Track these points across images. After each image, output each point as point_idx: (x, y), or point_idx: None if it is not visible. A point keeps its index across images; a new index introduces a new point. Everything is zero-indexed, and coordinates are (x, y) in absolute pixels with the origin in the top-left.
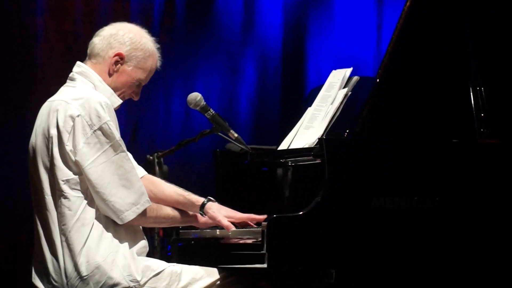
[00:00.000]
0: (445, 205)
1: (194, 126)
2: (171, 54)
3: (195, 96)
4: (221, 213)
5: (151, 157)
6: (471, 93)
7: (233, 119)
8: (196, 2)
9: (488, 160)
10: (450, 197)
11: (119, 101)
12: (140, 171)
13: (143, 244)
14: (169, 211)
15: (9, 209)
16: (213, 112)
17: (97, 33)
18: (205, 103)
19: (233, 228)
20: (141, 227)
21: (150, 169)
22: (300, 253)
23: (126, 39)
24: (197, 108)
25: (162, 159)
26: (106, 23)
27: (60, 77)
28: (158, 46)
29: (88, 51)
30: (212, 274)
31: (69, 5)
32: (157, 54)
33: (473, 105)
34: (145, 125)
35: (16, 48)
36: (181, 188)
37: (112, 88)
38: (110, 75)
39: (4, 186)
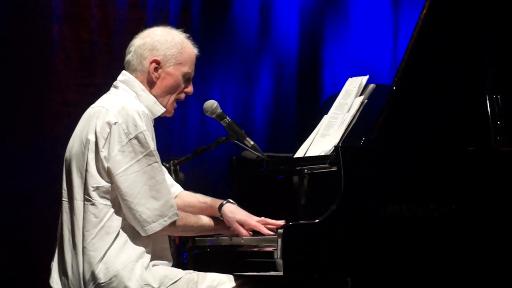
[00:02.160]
0: (461, 213)
1: (210, 133)
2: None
3: (211, 104)
4: (235, 219)
5: (167, 165)
6: (487, 101)
7: (249, 126)
8: (212, 9)
9: (504, 168)
10: (466, 205)
11: (162, 109)
12: (176, 188)
13: (166, 264)
14: (197, 219)
15: (25, 217)
16: (229, 120)
17: (127, 50)
18: (221, 110)
19: (248, 236)
20: (169, 248)
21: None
22: (316, 260)
23: (155, 44)
24: (213, 116)
25: (178, 167)
26: (121, 31)
27: (76, 85)
28: (188, 35)
29: (126, 70)
30: (228, 281)
31: (85, 13)
32: (189, 42)
33: (489, 113)
34: (161, 132)
35: (32, 56)
36: (202, 195)
37: (159, 96)
38: (153, 83)
39: (20, 194)
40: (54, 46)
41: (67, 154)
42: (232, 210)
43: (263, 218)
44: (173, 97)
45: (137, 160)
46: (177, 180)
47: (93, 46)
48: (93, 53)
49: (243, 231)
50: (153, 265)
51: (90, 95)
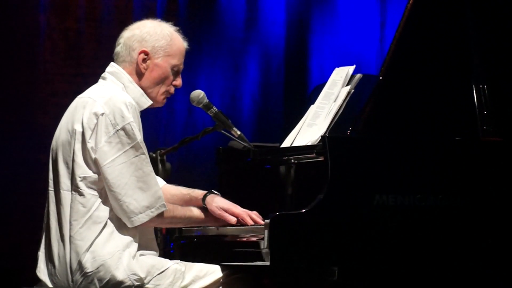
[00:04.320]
0: (448, 203)
1: (197, 123)
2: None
3: (198, 94)
4: (219, 206)
5: (153, 155)
6: (474, 91)
7: (236, 116)
8: None
9: (490, 158)
10: (453, 195)
11: (149, 102)
12: (159, 181)
13: (153, 254)
14: (185, 211)
15: (12, 207)
16: (216, 110)
17: (116, 42)
18: (208, 100)
19: (234, 221)
20: (155, 239)
21: (153, 167)
22: (303, 250)
23: (144, 35)
24: (200, 106)
25: (165, 157)
26: (108, 20)
27: (62, 75)
28: (178, 28)
29: (115, 61)
30: (215, 271)
31: (71, 3)
32: (179, 35)
33: (476, 103)
34: (148, 122)
35: (19, 46)
36: (185, 187)
37: (147, 87)
38: (142, 74)
39: (6, 185)
40: (41, 36)
41: (53, 144)
42: (216, 200)
43: (246, 210)
44: (162, 88)
45: (124, 151)
46: (163, 170)
47: (80, 36)
48: (80, 42)
49: (228, 216)
50: (141, 255)
51: (77, 85)
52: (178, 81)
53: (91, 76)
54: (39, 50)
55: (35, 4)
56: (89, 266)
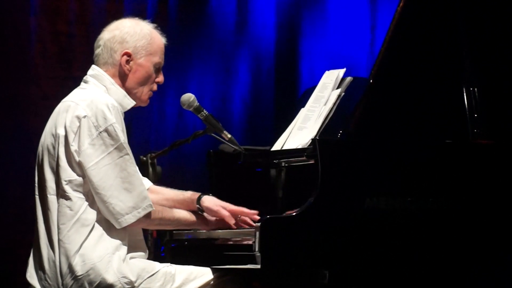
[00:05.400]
0: (438, 206)
1: (187, 127)
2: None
3: (189, 97)
4: (216, 203)
5: (144, 158)
6: (465, 94)
7: (226, 119)
8: (189, 2)
9: (481, 160)
10: (444, 198)
11: (132, 103)
12: (146, 182)
13: (142, 255)
14: (174, 213)
15: (2, 210)
16: (206, 113)
17: (96, 44)
18: (198, 104)
19: (231, 219)
20: (144, 239)
21: (143, 170)
22: (294, 253)
23: (124, 36)
24: (191, 109)
25: (155, 160)
26: (99, 23)
27: (53, 78)
28: (154, 25)
29: (96, 63)
30: (206, 274)
31: (62, 6)
32: (157, 32)
33: (466, 106)
34: (139, 126)
35: (9, 49)
36: (179, 190)
37: (132, 88)
38: (126, 75)
39: None
40: (31, 39)
41: (39, 148)
42: (211, 199)
43: (241, 207)
44: (146, 88)
45: (108, 153)
46: (154, 173)
47: (71, 39)
48: (71, 46)
49: (226, 213)
50: (131, 258)
51: (68, 88)
52: (160, 78)
53: (82, 79)
54: (30, 53)
55: (25, 7)
56: (79, 270)
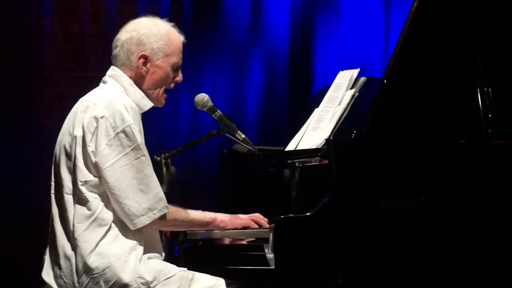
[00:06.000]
0: (452, 206)
1: (201, 127)
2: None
3: (202, 97)
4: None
5: (158, 158)
6: (479, 94)
7: (240, 120)
8: (203, 2)
9: (495, 161)
10: (458, 198)
11: (150, 104)
12: None
13: (158, 257)
14: (188, 214)
15: (17, 210)
16: (220, 113)
17: (113, 44)
18: (212, 104)
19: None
20: (160, 240)
21: (157, 170)
22: (307, 254)
23: (141, 38)
24: (204, 109)
25: (169, 160)
26: (112, 24)
27: (67, 78)
28: (172, 23)
29: (114, 64)
30: (221, 285)
31: (75, 6)
32: (175, 31)
33: (480, 106)
34: (152, 126)
35: (23, 49)
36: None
37: (149, 88)
38: (143, 77)
39: (12, 187)
40: (45, 40)
41: (56, 148)
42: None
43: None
44: (163, 88)
45: (125, 154)
46: (168, 173)
47: (84, 39)
48: (84, 46)
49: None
50: (148, 258)
51: (81, 88)
52: (179, 77)
53: (96, 79)
54: (43, 54)
55: (39, 8)
56: (95, 268)
